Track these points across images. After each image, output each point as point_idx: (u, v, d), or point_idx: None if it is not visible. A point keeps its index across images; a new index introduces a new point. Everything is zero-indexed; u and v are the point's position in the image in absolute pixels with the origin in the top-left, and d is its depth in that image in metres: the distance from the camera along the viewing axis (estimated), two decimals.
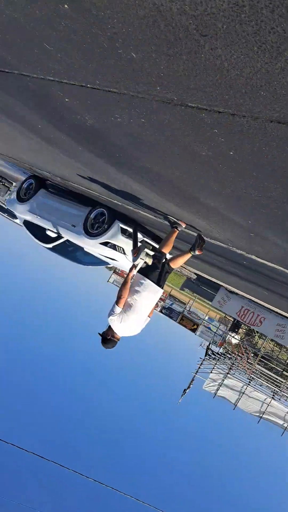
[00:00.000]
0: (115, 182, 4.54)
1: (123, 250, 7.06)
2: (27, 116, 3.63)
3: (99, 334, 4.49)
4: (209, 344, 22.46)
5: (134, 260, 4.48)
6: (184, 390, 21.74)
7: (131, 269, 4.52)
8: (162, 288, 4.56)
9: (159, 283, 4.44)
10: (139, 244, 4.59)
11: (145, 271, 4.55)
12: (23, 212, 8.42)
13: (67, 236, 7.63)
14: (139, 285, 4.40)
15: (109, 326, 4.45)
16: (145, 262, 4.52)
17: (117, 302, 4.32)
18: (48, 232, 7.81)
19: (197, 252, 4.48)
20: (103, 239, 6.97)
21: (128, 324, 4.37)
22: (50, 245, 8.15)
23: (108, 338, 4.33)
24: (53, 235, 7.79)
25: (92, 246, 7.27)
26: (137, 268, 4.99)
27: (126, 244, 6.99)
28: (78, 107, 2.60)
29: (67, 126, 3.23)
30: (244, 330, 21.25)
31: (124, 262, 7.19)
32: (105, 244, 7.04)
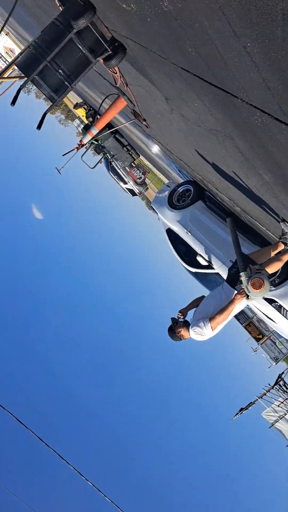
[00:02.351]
0: None
1: None
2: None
3: (172, 320, 4.20)
4: (282, 373, 20.81)
5: (252, 295, 3.68)
6: (241, 409, 20.52)
7: (236, 299, 3.71)
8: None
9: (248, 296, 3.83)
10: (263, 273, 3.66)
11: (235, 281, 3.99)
12: (171, 220, 7.31)
13: (219, 270, 6.45)
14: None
15: (184, 324, 4.11)
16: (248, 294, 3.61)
17: (212, 326, 3.86)
18: (198, 258, 6.66)
19: None
20: (271, 294, 5.71)
21: (207, 338, 4.06)
22: (194, 270, 7.05)
23: (177, 334, 4.10)
24: (203, 262, 6.64)
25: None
26: (248, 302, 4.17)
27: None
28: None
29: None
30: None
31: (284, 328, 5.92)
32: (270, 301, 5.78)
